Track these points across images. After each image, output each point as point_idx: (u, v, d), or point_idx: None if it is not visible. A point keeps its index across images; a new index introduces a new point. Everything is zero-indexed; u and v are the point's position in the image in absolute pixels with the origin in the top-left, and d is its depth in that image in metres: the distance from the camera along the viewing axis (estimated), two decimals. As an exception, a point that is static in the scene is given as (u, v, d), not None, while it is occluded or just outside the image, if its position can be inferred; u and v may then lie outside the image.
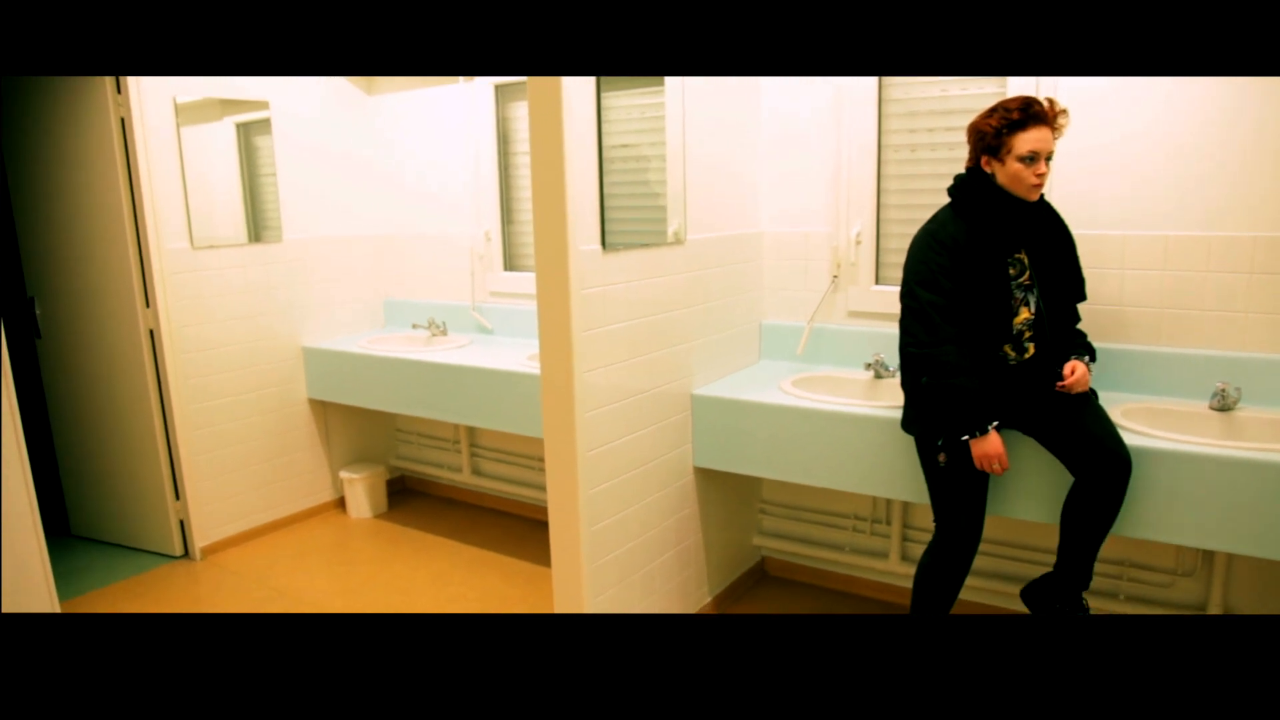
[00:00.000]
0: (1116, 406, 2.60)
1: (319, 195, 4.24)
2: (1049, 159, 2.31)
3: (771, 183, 3.33)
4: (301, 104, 4.10)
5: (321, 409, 4.36)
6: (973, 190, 2.39)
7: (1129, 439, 2.35)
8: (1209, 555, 2.78)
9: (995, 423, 2.33)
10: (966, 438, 2.34)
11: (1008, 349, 2.44)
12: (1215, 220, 2.65)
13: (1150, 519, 2.35)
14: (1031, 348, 2.44)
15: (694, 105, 2.93)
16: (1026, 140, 2.27)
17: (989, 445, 2.33)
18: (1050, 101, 2.31)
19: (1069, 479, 2.39)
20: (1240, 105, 2.56)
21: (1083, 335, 2.54)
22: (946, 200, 2.48)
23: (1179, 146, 2.66)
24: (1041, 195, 2.40)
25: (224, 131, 3.92)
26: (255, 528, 4.13)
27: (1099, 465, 2.29)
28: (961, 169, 2.47)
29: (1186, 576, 2.84)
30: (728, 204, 3.18)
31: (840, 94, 3.13)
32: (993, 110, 2.32)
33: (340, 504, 4.48)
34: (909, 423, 2.52)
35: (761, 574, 3.60)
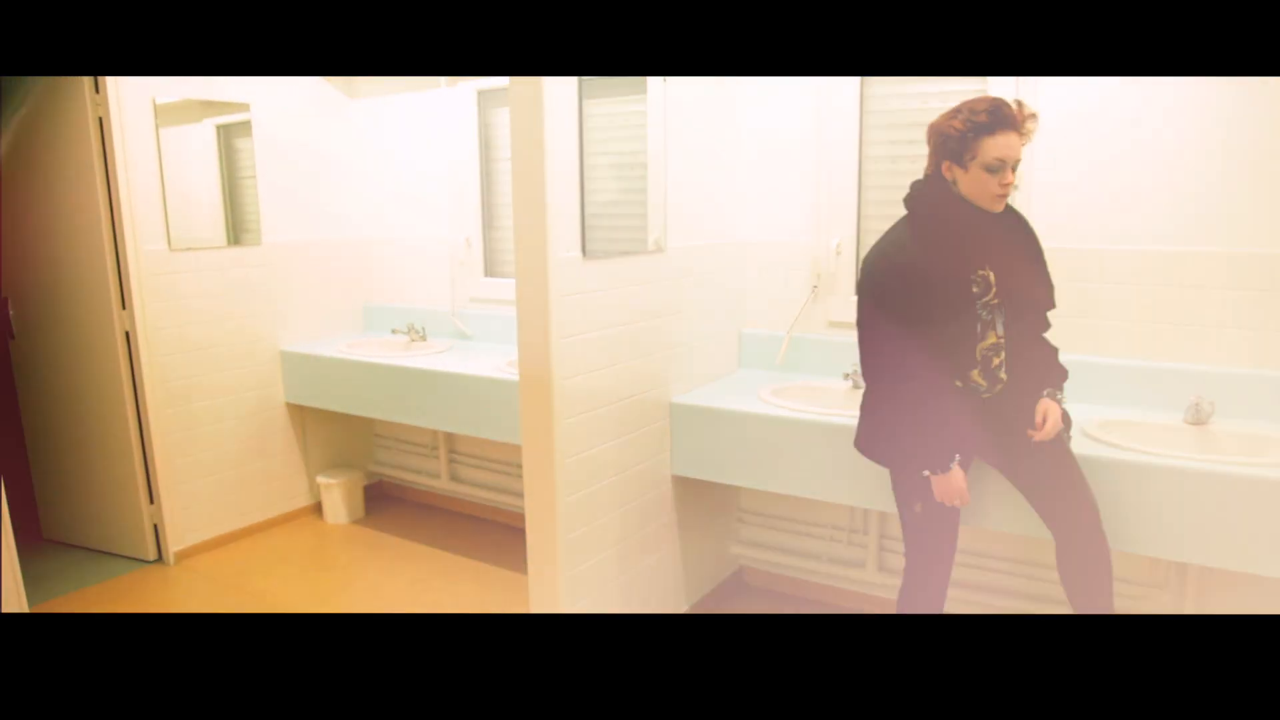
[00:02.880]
0: (1093, 419, 2.62)
1: (299, 198, 4.21)
2: (1015, 167, 2.10)
3: (753, 192, 3.34)
4: (283, 107, 4.08)
5: (299, 413, 4.33)
6: (932, 200, 2.18)
7: (1105, 452, 2.37)
8: (1182, 568, 2.80)
9: (958, 457, 2.21)
10: (927, 473, 2.22)
11: (978, 377, 2.27)
12: (1192, 235, 2.67)
13: (1125, 532, 2.37)
14: (1004, 376, 2.29)
15: (676, 113, 2.93)
16: (994, 146, 2.05)
17: (951, 483, 2.20)
18: (1019, 104, 2.09)
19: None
20: (1216, 122, 2.59)
21: (1055, 354, 2.38)
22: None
23: (1157, 161, 2.68)
24: (1008, 204, 2.23)
25: (204, 133, 3.90)
26: (231, 532, 4.10)
27: (1068, 528, 2.25)
28: None
29: (1160, 589, 2.87)
30: (709, 212, 3.18)
31: (821, 104, 3.14)
32: (957, 111, 2.09)
33: (317, 509, 4.44)
34: (878, 453, 2.39)
35: (740, 583, 3.60)
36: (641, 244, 2.88)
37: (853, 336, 3.21)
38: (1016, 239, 2.25)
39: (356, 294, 4.55)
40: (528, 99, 2.39)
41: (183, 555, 3.89)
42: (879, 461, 2.39)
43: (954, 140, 2.08)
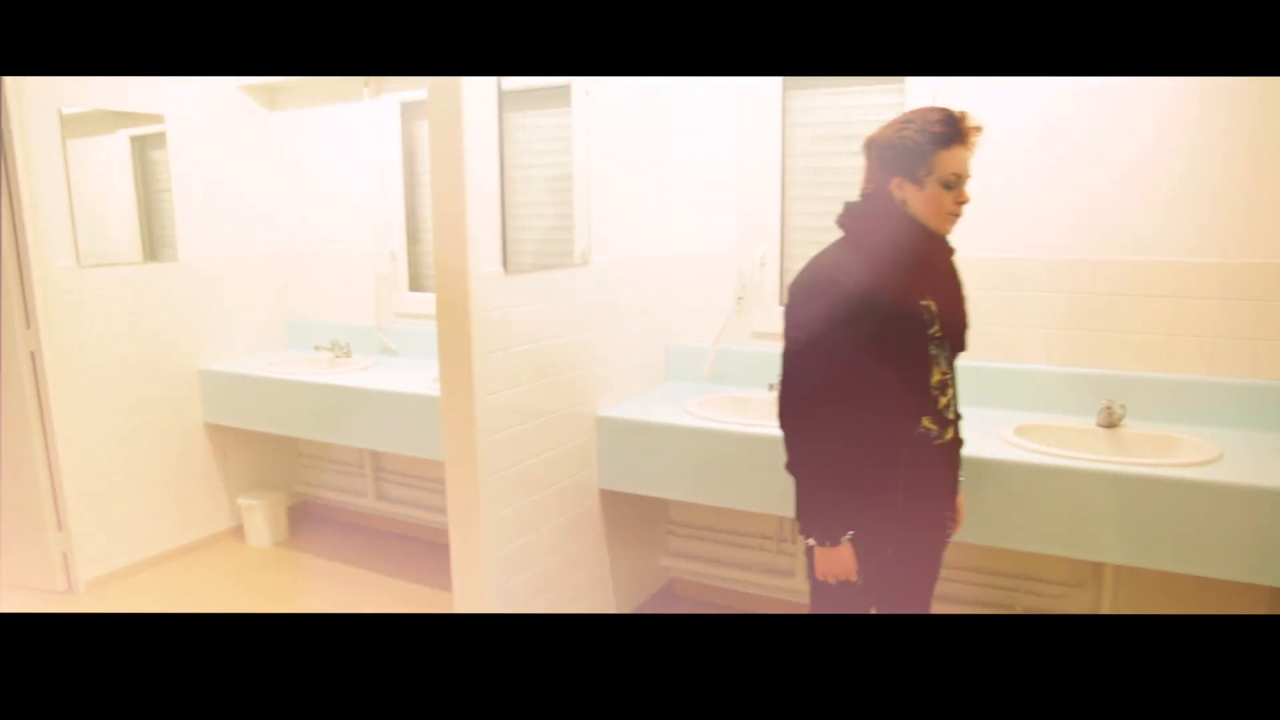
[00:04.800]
0: (1010, 424, 2.67)
1: (218, 212, 4.10)
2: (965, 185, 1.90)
3: (679, 204, 3.35)
4: (199, 118, 3.97)
5: (219, 433, 4.20)
6: (879, 219, 1.91)
7: (1023, 456, 2.42)
8: (1099, 567, 2.87)
9: (851, 533, 1.92)
10: (813, 543, 1.94)
11: (929, 423, 1.97)
12: (1104, 244, 2.75)
13: (1043, 533, 2.41)
14: (951, 416, 2.03)
15: (600, 125, 2.93)
16: (951, 160, 1.83)
17: (838, 560, 1.93)
18: (965, 115, 1.87)
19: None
20: (1129, 132, 2.67)
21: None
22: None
23: (1067, 171, 2.76)
24: None
25: (117, 145, 3.78)
26: (147, 559, 3.95)
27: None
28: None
29: (1079, 588, 2.93)
30: (635, 225, 3.18)
31: (745, 116, 3.17)
32: (907, 121, 1.86)
33: (239, 532, 4.31)
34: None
35: (670, 595, 3.59)
36: (568, 257, 2.86)
37: (777, 347, 3.23)
38: (950, 267, 2.03)
39: (279, 310, 4.44)
40: (446, 110, 2.36)
41: (95, 584, 3.74)
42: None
43: (908, 153, 1.84)
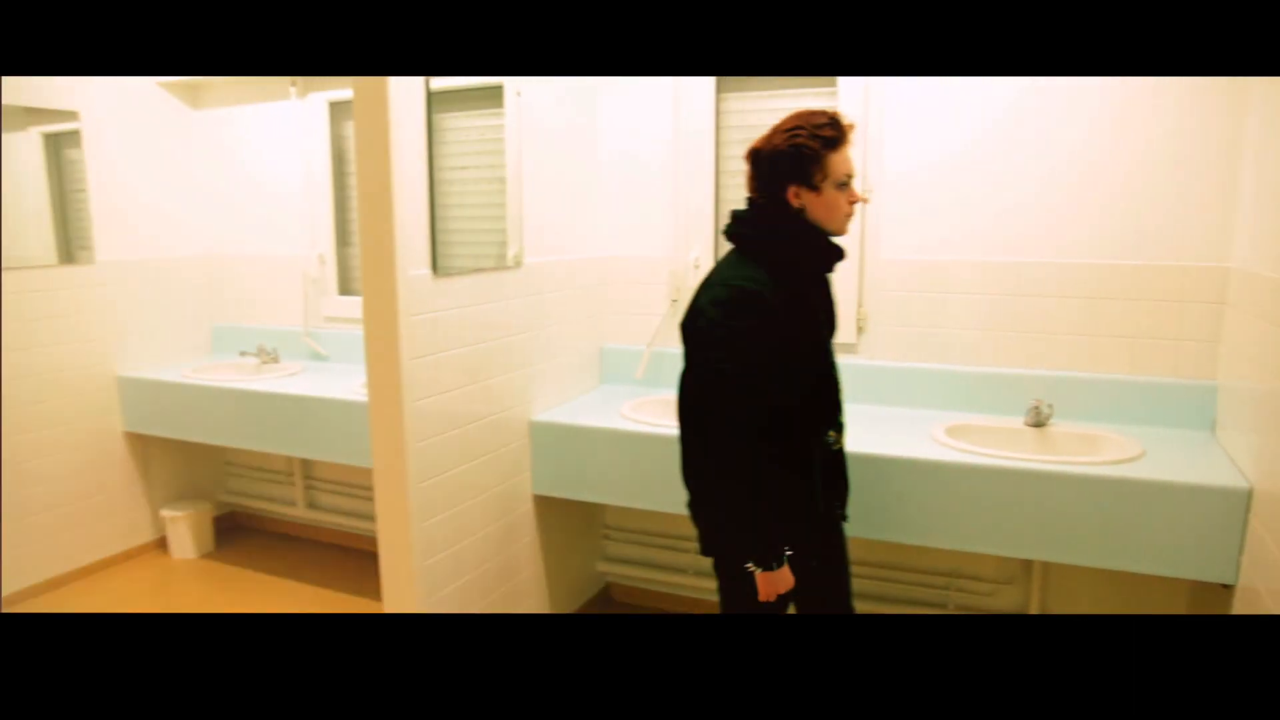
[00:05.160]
0: (940, 425, 2.70)
1: (138, 213, 3.96)
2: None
3: (613, 206, 3.32)
4: (117, 116, 3.83)
5: (140, 443, 4.06)
6: (778, 226, 1.88)
7: (954, 456, 2.44)
8: (1028, 563, 2.91)
9: (790, 552, 1.87)
10: (753, 568, 1.86)
11: (832, 432, 2.02)
12: (1027, 247, 2.79)
13: (973, 532, 2.44)
14: (843, 421, 2.07)
15: (533, 126, 2.89)
16: (842, 161, 1.84)
17: (782, 580, 1.87)
18: (841, 115, 1.88)
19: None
20: (1054, 137, 2.72)
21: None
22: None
23: (993, 174, 2.80)
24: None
25: (29, 143, 3.63)
26: (66, 573, 3.80)
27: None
28: None
29: (1008, 584, 2.97)
30: (569, 227, 3.15)
31: (679, 118, 3.16)
32: (795, 128, 1.84)
33: (162, 544, 4.17)
34: (708, 545, 2.01)
35: (607, 600, 3.56)
36: (501, 260, 2.82)
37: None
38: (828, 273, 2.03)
39: (203, 315, 4.31)
40: (373, 110, 2.30)
41: (13, 600, 3.59)
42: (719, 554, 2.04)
43: (803, 159, 1.82)
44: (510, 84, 2.81)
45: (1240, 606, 2.17)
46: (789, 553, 1.87)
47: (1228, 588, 2.24)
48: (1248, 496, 2.15)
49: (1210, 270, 2.61)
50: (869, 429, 2.68)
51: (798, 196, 1.85)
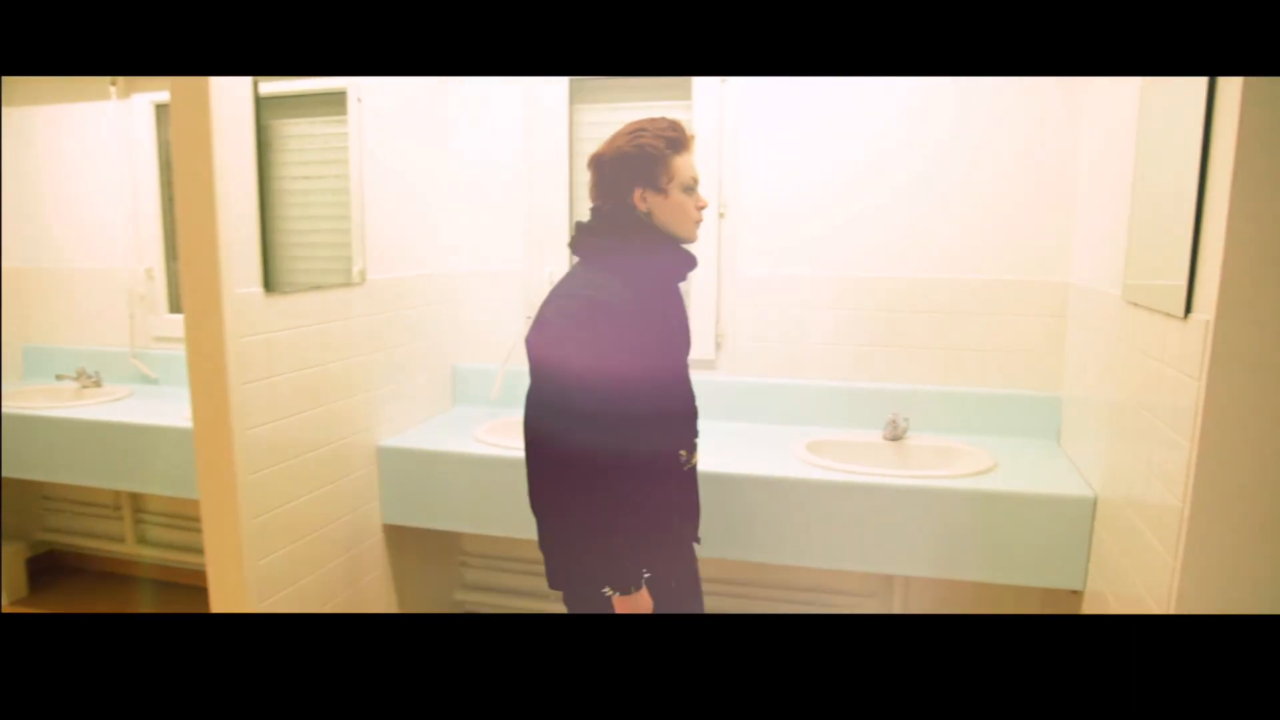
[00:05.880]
0: (801, 441, 2.69)
1: (-68, 225, 3.57)
2: None
3: (464, 219, 3.19)
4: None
5: (-61, 478, 3.65)
6: (630, 233, 1.80)
7: (815, 474, 2.42)
8: (889, 577, 2.94)
9: (648, 574, 1.79)
10: (610, 592, 1.74)
11: (684, 451, 1.92)
12: (883, 262, 2.82)
13: (835, 549, 2.43)
14: (695, 440, 1.98)
15: (376, 134, 2.73)
16: (687, 164, 1.80)
17: (642, 603, 1.77)
18: (681, 122, 1.86)
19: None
20: (902, 153, 2.76)
21: None
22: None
23: (849, 189, 2.82)
24: None
25: None
26: None
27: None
28: None
29: (870, 598, 2.99)
30: (417, 241, 2.99)
31: (531, 129, 3.05)
32: (638, 130, 1.80)
33: (-33, 590, 3.76)
34: (558, 577, 1.89)
35: (467, 631, 3.41)
36: (344, 276, 2.65)
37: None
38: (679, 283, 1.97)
39: (13, 335, 3.92)
40: (191, 113, 2.10)
41: None
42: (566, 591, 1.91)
43: (648, 161, 1.77)
44: (353, 89, 2.65)
45: (1089, 611, 2.22)
46: (647, 575, 1.78)
47: (1077, 593, 2.29)
48: (1093, 505, 2.21)
49: (1053, 285, 2.69)
50: (729, 446, 2.65)
51: (644, 200, 1.79)
